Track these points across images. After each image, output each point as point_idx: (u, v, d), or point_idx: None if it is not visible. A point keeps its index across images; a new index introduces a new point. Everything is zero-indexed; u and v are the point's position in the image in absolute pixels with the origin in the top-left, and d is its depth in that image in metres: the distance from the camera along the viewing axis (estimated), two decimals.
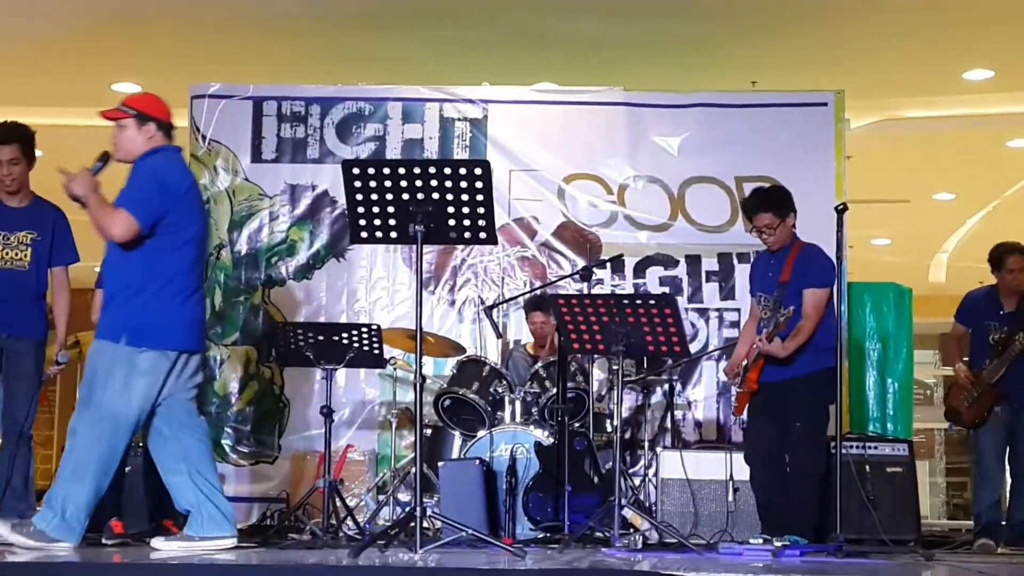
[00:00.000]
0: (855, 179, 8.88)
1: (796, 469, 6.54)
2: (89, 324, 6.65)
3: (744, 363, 6.74)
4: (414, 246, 5.80)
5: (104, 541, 6.22)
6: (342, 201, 8.16)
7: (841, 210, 6.43)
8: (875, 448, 7.34)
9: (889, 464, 7.28)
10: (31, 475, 6.75)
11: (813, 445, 6.57)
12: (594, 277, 8.14)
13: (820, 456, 6.56)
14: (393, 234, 5.83)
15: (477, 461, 7.08)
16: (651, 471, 7.57)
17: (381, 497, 7.69)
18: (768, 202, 6.77)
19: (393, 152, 8.78)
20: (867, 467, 7.18)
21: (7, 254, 6.68)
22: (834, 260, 6.53)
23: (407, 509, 6.47)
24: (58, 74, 9.82)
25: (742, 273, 8.41)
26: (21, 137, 6.76)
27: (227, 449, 8.55)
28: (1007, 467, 7.77)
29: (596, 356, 7.31)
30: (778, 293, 6.60)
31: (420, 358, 5.82)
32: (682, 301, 8.43)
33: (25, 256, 6.68)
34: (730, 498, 7.13)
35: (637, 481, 7.68)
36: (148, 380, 5.67)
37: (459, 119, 8.89)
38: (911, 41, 9.12)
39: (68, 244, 6.91)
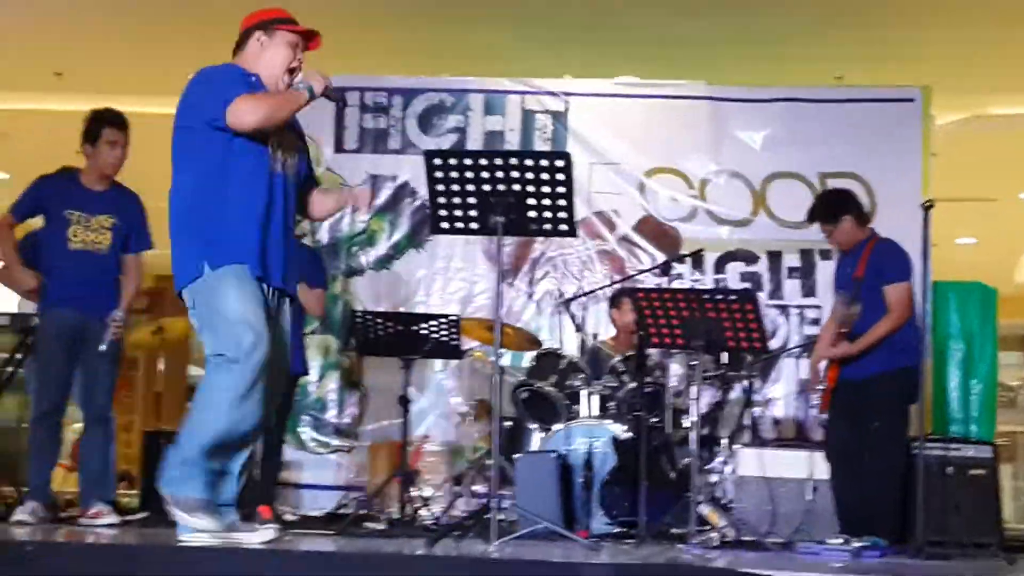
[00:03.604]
0: (941, 177, 8.75)
1: (874, 469, 6.47)
2: (173, 311, 6.71)
3: (822, 363, 6.69)
4: (494, 238, 5.79)
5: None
6: (422, 192, 8.19)
7: (927, 207, 6.32)
8: (957, 450, 7.22)
9: (971, 466, 7.16)
10: (112, 459, 6.70)
11: (892, 445, 6.50)
12: (674, 272, 8.10)
13: (899, 456, 6.49)
14: (474, 225, 5.81)
15: (553, 454, 7.06)
16: (728, 468, 7.51)
17: (457, 488, 7.70)
18: (816, 212, 6.82)
19: (474, 144, 8.79)
20: (949, 469, 7.08)
21: (87, 237, 6.63)
22: (913, 256, 6.45)
23: (483, 501, 6.49)
24: (139, 63, 9.91)
25: (823, 270, 8.34)
26: (128, 124, 6.79)
27: (305, 437, 8.61)
28: None
29: (675, 351, 7.26)
30: (854, 289, 6.54)
31: (499, 350, 5.81)
32: (762, 297, 8.36)
33: (105, 240, 6.64)
34: (808, 497, 7.07)
35: (714, 478, 7.63)
36: None
37: (541, 111, 8.88)
38: (1001, 37, 8.96)
39: (145, 231, 6.86)
